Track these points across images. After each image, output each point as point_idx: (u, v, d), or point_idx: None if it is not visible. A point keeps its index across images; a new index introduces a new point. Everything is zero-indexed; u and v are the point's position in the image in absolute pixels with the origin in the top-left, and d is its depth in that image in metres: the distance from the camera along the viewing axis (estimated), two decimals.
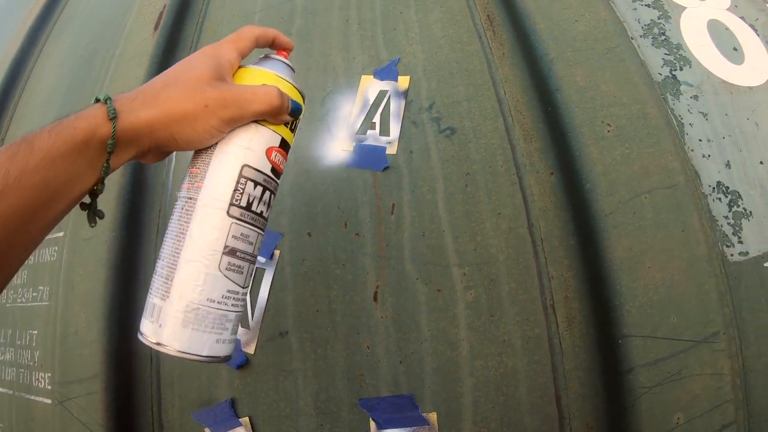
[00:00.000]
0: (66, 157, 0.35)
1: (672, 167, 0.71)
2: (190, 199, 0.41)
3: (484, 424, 0.66)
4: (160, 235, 0.75)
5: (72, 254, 0.78)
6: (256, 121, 0.42)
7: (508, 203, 0.69)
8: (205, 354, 0.40)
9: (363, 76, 0.75)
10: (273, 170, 0.44)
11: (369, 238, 0.66)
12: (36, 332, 0.88)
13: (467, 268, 0.66)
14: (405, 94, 0.73)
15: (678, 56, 0.82)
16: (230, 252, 0.40)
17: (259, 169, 0.42)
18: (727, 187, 0.75)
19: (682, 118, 0.77)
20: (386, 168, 0.69)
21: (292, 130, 0.46)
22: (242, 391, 0.66)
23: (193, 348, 0.39)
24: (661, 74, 0.79)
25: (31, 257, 0.94)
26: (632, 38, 0.81)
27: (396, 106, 0.72)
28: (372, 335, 0.64)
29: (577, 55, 0.74)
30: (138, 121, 0.38)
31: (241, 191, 0.41)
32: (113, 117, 0.37)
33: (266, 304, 0.66)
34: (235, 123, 0.41)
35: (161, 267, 0.41)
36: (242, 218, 0.41)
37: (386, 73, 0.75)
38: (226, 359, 0.42)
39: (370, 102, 0.73)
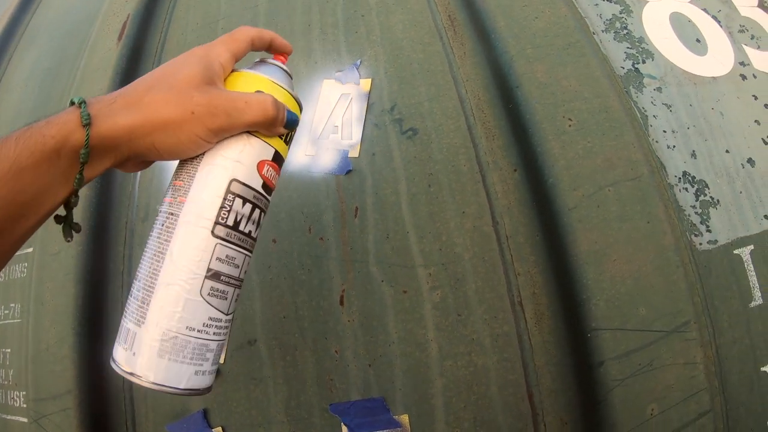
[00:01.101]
0: (35, 168, 0.32)
1: (635, 159, 0.71)
2: (172, 214, 0.37)
3: (457, 424, 0.66)
4: (128, 247, 0.74)
5: (41, 269, 0.77)
6: (247, 132, 0.39)
7: (472, 202, 0.69)
8: (182, 386, 0.36)
9: (325, 80, 0.75)
10: (264, 186, 0.40)
11: (333, 242, 0.66)
12: (9, 350, 0.87)
13: (433, 268, 0.66)
14: (367, 96, 0.73)
15: (640, 49, 0.82)
16: (213, 276, 0.36)
17: (249, 184, 0.38)
18: (694, 177, 0.75)
19: (645, 110, 0.77)
20: (349, 171, 0.68)
21: (287, 143, 0.42)
22: (214, 401, 0.65)
23: (170, 380, 0.36)
24: (623, 68, 0.79)
25: (2, 274, 0.93)
26: (594, 33, 0.81)
27: (358, 109, 0.71)
28: (340, 339, 0.63)
29: (537, 52, 0.74)
30: (116, 128, 0.34)
31: (228, 208, 0.37)
32: (87, 123, 0.33)
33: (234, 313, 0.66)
34: (223, 133, 0.37)
35: (137, 289, 0.37)
36: (228, 238, 0.37)
37: (348, 76, 0.74)
38: (205, 391, 0.38)
39: (332, 106, 0.72)
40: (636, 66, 0.79)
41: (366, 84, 0.73)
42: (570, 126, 0.71)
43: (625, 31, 0.82)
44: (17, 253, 0.92)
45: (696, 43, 0.85)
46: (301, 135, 0.72)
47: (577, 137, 0.70)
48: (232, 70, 0.41)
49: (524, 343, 0.67)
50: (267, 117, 0.38)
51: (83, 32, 0.99)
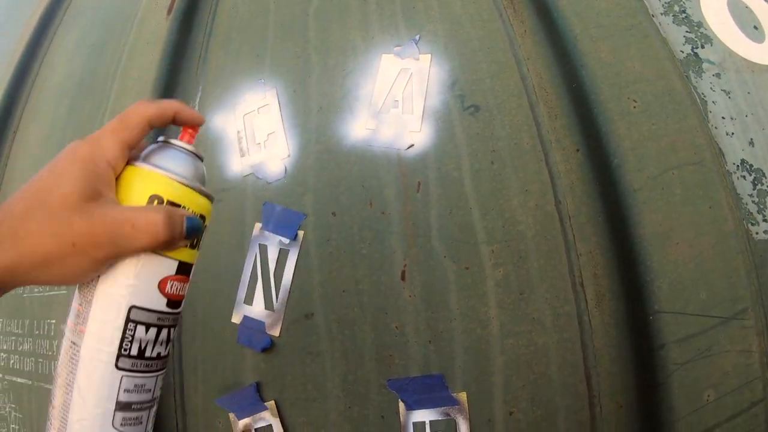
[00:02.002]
0: None
1: (699, 143, 0.68)
2: (74, 344, 0.33)
3: (515, 404, 0.63)
4: None
5: None
6: None
7: (534, 180, 0.66)
8: None
9: (384, 55, 0.72)
10: (170, 303, 0.35)
11: (395, 216, 0.63)
12: (54, 321, 0.85)
13: (496, 245, 0.64)
14: (427, 71, 0.70)
15: (699, 34, 0.79)
16: (124, 407, 0.34)
17: (150, 308, 0.34)
18: (751, 165, 0.72)
19: (705, 96, 0.74)
20: (411, 146, 0.66)
21: (195, 246, 0.36)
22: (268, 375, 0.63)
23: None
24: (683, 52, 0.77)
25: None
26: (653, 15, 0.78)
27: (418, 84, 0.69)
28: (400, 315, 0.61)
29: (600, 32, 0.72)
30: None
31: (131, 338, 0.33)
32: None
33: (291, 286, 0.63)
34: (112, 261, 0.32)
35: (53, 416, 0.34)
36: (134, 368, 0.34)
37: (407, 51, 0.72)
38: None
39: (392, 80, 0.70)
40: (695, 50, 0.76)
41: (426, 59, 0.71)
42: (635, 107, 0.68)
43: (683, 15, 0.79)
44: None
45: (754, 29, 0.82)
46: (360, 108, 0.69)
47: (642, 119, 0.68)
48: (127, 163, 0.34)
49: (584, 324, 0.65)
50: (158, 241, 0.32)
51: (129, 8, 0.96)
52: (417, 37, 0.73)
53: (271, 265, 0.63)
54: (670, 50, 0.75)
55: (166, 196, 0.34)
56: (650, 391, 0.65)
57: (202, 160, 0.37)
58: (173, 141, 0.36)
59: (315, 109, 0.70)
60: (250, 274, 0.64)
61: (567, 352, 0.65)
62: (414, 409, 0.60)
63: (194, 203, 0.35)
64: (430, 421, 0.60)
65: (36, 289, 0.88)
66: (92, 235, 0.30)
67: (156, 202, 0.33)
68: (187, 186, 0.34)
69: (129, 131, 0.33)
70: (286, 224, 0.64)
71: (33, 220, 0.30)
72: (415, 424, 0.60)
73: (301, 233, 0.64)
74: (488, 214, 0.64)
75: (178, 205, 0.34)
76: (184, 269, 0.35)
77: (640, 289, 0.64)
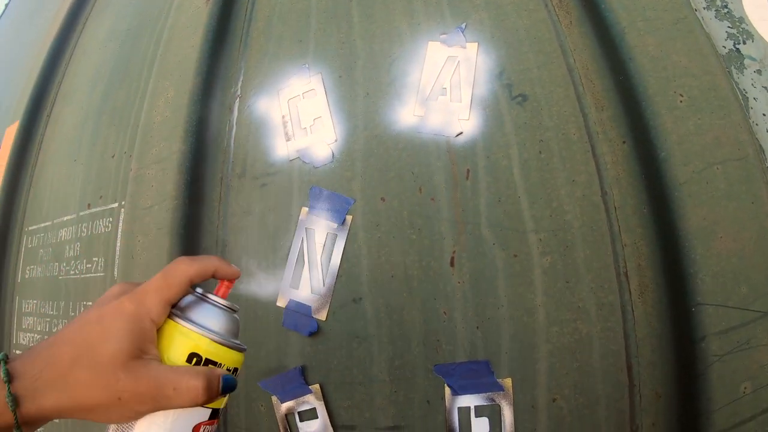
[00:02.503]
0: None
1: (742, 139, 0.67)
2: None
3: (558, 391, 0.63)
4: (223, 203, 0.71)
5: (131, 223, 0.74)
6: None
7: (581, 171, 0.66)
8: None
9: (430, 42, 0.71)
10: None
11: (445, 203, 0.62)
12: (91, 303, 0.83)
13: (543, 234, 0.63)
14: (474, 60, 0.69)
15: (741, 30, 0.78)
16: None
17: None
18: None
19: (746, 92, 0.73)
20: (460, 134, 0.65)
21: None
22: (313, 359, 0.63)
23: None
24: (725, 47, 0.76)
25: (84, 229, 0.89)
26: (696, 9, 0.77)
27: (466, 72, 0.68)
28: (449, 301, 0.61)
29: (648, 25, 0.71)
30: (42, 410, 0.32)
31: None
32: (13, 408, 0.31)
33: (338, 270, 0.62)
34: (153, 412, 0.34)
35: None
36: None
37: (453, 39, 0.71)
38: None
39: (439, 68, 0.69)
40: (737, 46, 0.75)
41: (473, 48, 0.69)
42: (681, 102, 0.68)
43: (725, 10, 0.78)
44: (100, 209, 0.89)
45: None
46: (408, 95, 0.68)
47: (688, 113, 0.67)
48: (168, 315, 0.36)
49: (627, 314, 0.65)
50: (197, 402, 0.34)
51: None
52: (463, 25, 0.72)
53: (319, 249, 0.63)
54: (713, 45, 0.74)
55: (205, 355, 0.35)
56: (689, 382, 0.65)
57: (236, 312, 0.39)
58: (210, 296, 0.37)
59: (362, 95, 0.69)
60: (296, 258, 0.64)
61: (610, 342, 0.64)
62: (459, 394, 0.60)
63: (229, 359, 0.37)
64: (475, 406, 0.60)
65: (72, 271, 0.87)
66: (137, 393, 0.33)
67: (194, 360, 0.35)
68: (222, 344, 0.36)
69: (172, 290, 0.35)
70: (334, 209, 0.63)
71: (82, 371, 0.32)
72: (460, 408, 0.60)
73: (349, 218, 0.63)
74: (536, 203, 0.63)
75: (215, 363, 0.36)
76: (215, 414, 0.37)
77: (683, 281, 0.64)
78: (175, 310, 0.36)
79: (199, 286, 0.38)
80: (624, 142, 0.67)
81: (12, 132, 1.11)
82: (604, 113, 0.69)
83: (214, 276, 0.38)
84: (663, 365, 0.65)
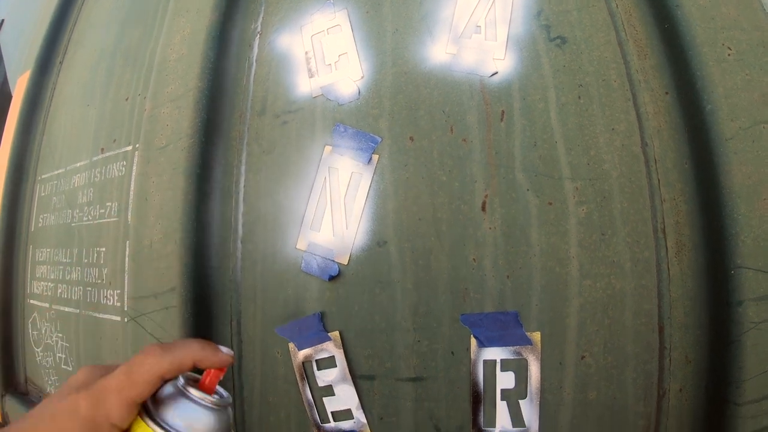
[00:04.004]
0: None
1: None
2: None
3: (587, 348, 0.57)
4: (242, 141, 0.64)
5: (145, 165, 0.66)
6: None
7: (622, 119, 0.59)
8: None
9: None
10: None
11: (477, 144, 0.56)
12: (104, 249, 0.77)
13: (580, 182, 0.56)
14: None
15: None
16: None
17: None
18: None
19: None
20: (494, 74, 0.58)
21: None
22: (333, 304, 0.56)
23: None
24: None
25: (97, 174, 0.83)
26: None
27: (502, 11, 0.60)
28: (479, 247, 0.54)
29: None
30: None
31: None
32: None
33: (362, 212, 0.56)
34: None
35: None
36: None
37: None
38: None
39: (474, 5, 0.61)
40: None
41: None
42: (729, 55, 0.60)
43: None
44: (114, 152, 0.82)
45: None
46: (440, 32, 0.61)
47: (736, 67, 0.60)
48: (139, 413, 0.29)
49: (662, 272, 0.58)
50: None
51: None
52: None
53: (342, 190, 0.56)
54: (760, 1, 0.67)
55: None
56: (721, 348, 0.58)
57: (227, 407, 0.30)
58: (191, 392, 0.29)
59: (390, 31, 0.61)
60: (318, 198, 0.57)
61: (643, 300, 0.58)
62: (486, 346, 0.54)
63: None
64: (501, 360, 0.54)
65: (85, 218, 0.80)
66: None
67: None
68: None
69: (136, 389, 0.28)
70: (359, 147, 0.56)
71: None
72: (485, 361, 0.54)
73: (375, 157, 0.56)
74: (573, 150, 0.57)
75: None
76: None
77: (723, 242, 0.57)
78: (149, 404, 0.29)
79: (183, 375, 0.30)
80: (667, 93, 0.60)
81: (23, 81, 1.03)
82: (646, 61, 0.61)
83: (196, 367, 0.30)
84: (696, 329, 0.59)
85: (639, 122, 0.58)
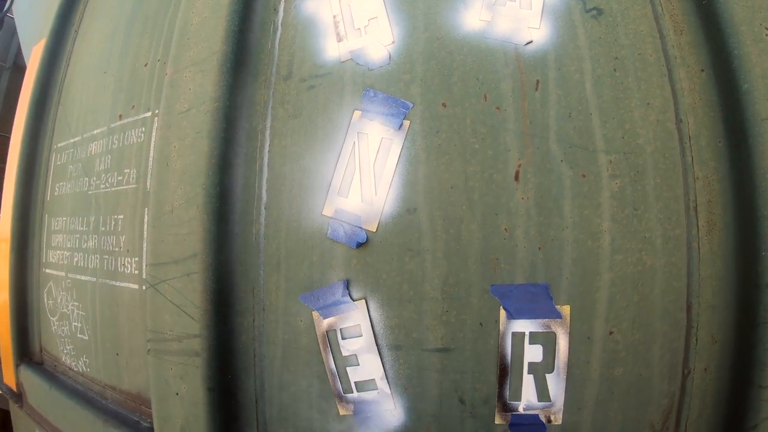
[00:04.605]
0: None
1: None
2: None
3: (616, 324, 0.55)
4: (267, 106, 0.61)
5: (166, 129, 0.63)
6: None
7: (657, 95, 0.57)
8: None
9: None
10: None
11: (511, 113, 0.53)
12: (122, 216, 0.74)
13: (614, 155, 0.54)
14: None
15: None
16: None
17: None
18: None
19: None
20: (529, 43, 0.56)
21: None
22: (360, 272, 0.54)
23: None
24: None
25: (115, 141, 0.79)
26: None
27: None
28: (511, 217, 0.52)
29: None
30: None
31: None
32: None
33: (392, 178, 0.53)
34: None
35: None
36: None
37: None
38: None
39: None
40: None
41: None
42: (767, 35, 0.58)
43: None
44: (132, 119, 0.79)
45: None
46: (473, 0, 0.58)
47: None
48: None
49: (693, 250, 0.56)
50: None
51: None
52: None
53: (372, 155, 0.53)
54: None
55: None
56: (749, 330, 0.56)
57: None
58: None
59: None
60: (346, 163, 0.54)
61: (672, 278, 0.56)
62: (515, 318, 0.51)
63: None
64: (530, 332, 0.52)
65: (102, 185, 0.77)
66: None
67: None
68: None
69: None
70: (390, 113, 0.54)
71: None
72: (514, 334, 0.52)
73: (406, 123, 0.54)
74: (608, 123, 0.54)
75: None
76: None
77: (755, 223, 0.55)
78: None
79: None
80: (702, 70, 0.58)
81: (39, 50, 0.99)
82: (683, 37, 0.59)
83: None
84: (723, 309, 0.57)
85: (674, 98, 0.56)
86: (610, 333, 0.54)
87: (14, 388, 0.95)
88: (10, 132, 1.04)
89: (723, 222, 0.56)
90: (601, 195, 0.52)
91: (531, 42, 0.55)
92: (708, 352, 0.57)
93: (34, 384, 0.88)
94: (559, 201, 0.52)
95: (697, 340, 0.57)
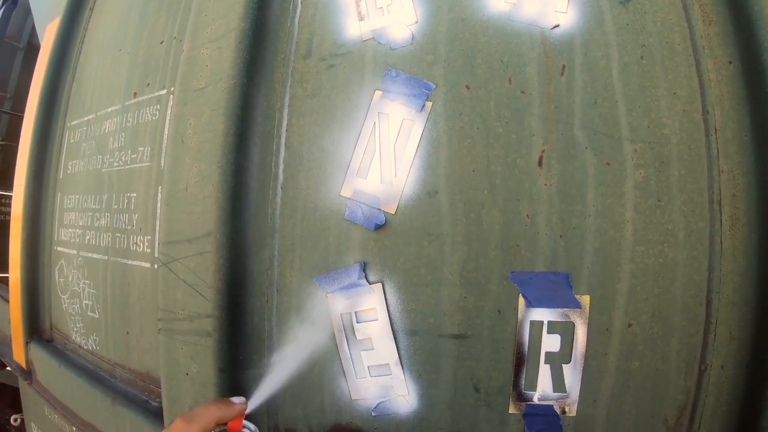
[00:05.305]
0: None
1: None
2: None
3: (635, 316, 0.53)
4: (285, 84, 0.58)
5: (182, 106, 0.61)
6: None
7: (684, 85, 0.54)
8: None
9: None
10: None
11: (536, 97, 0.51)
12: (135, 195, 0.72)
13: (639, 144, 0.52)
14: None
15: None
16: None
17: None
18: None
19: None
20: (556, 26, 0.53)
21: None
22: (377, 255, 0.52)
23: None
24: None
25: (129, 119, 0.77)
26: None
27: None
28: (533, 203, 0.50)
29: None
30: None
31: None
32: None
33: (413, 160, 0.51)
34: None
35: None
36: None
37: None
38: None
39: None
40: None
41: None
42: None
43: None
44: (147, 96, 0.76)
45: None
46: None
47: None
48: None
49: (715, 245, 0.54)
50: None
51: None
52: None
53: (392, 137, 0.51)
54: None
55: None
56: (767, 327, 0.55)
57: None
58: None
59: None
60: (366, 144, 0.52)
61: (694, 272, 0.54)
62: (534, 307, 0.49)
63: None
64: (549, 321, 0.50)
65: (116, 163, 0.75)
66: None
67: None
68: None
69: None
70: (412, 93, 0.51)
71: None
72: (532, 322, 0.49)
73: (428, 104, 0.52)
74: (634, 111, 0.52)
75: None
76: None
77: None
78: None
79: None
80: (730, 62, 0.55)
81: (53, 28, 0.97)
82: (711, 28, 0.57)
83: (218, 425, 0.36)
84: (743, 306, 0.55)
85: (701, 89, 0.54)
86: (629, 325, 0.51)
87: (24, 365, 0.93)
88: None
89: (746, 217, 0.54)
90: (624, 184, 0.50)
91: (558, 26, 0.53)
92: (726, 348, 0.55)
93: (43, 361, 0.86)
94: (582, 189, 0.49)
95: (715, 336, 0.54)
